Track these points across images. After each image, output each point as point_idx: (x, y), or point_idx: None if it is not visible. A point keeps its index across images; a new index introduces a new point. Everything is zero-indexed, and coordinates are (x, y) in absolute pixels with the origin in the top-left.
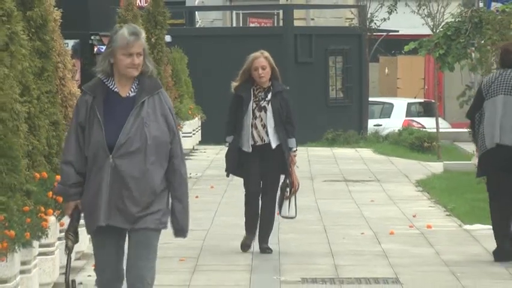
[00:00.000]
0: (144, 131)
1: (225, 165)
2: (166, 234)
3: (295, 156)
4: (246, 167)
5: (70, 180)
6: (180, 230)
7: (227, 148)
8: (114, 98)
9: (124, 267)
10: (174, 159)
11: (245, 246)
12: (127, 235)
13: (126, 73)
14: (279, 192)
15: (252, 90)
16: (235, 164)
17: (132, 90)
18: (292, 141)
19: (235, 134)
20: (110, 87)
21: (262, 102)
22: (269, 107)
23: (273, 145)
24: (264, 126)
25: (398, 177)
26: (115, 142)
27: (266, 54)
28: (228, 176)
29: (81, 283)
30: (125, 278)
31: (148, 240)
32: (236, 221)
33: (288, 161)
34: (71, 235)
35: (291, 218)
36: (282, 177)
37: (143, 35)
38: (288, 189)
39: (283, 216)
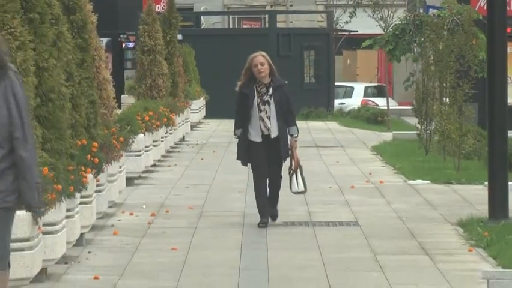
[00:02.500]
0: None
1: (236, 152)
2: (177, 189)
3: (296, 141)
4: (255, 154)
5: None
6: (27, 206)
7: (237, 140)
8: None
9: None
10: (14, 141)
11: (262, 224)
12: None
13: None
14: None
15: (255, 87)
16: (247, 153)
17: None
18: (293, 129)
19: (244, 127)
20: None
21: (265, 97)
22: (272, 101)
23: (276, 134)
24: (269, 118)
25: (357, 144)
26: None
27: (263, 53)
28: (244, 164)
29: (112, 225)
30: None
31: None
32: (232, 178)
33: (290, 145)
34: None
35: (302, 192)
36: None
37: None
38: (292, 168)
39: (294, 193)
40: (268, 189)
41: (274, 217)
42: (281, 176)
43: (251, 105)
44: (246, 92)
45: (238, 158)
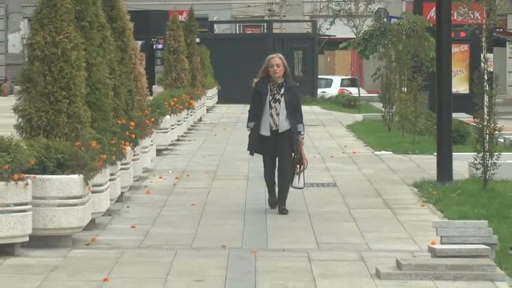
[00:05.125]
0: None
1: (247, 143)
2: (196, 158)
3: (303, 138)
4: (264, 147)
5: None
6: None
7: (249, 132)
8: None
9: None
10: None
11: (272, 204)
12: None
13: None
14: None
15: (269, 85)
16: (256, 145)
17: None
18: (300, 126)
19: (256, 121)
20: None
21: (277, 95)
22: (282, 99)
23: (284, 129)
24: (278, 114)
25: (335, 123)
26: None
27: (280, 55)
28: (251, 154)
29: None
30: None
31: None
32: (238, 149)
33: (297, 141)
34: None
35: (300, 188)
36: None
37: None
38: (298, 166)
39: (293, 187)
40: (278, 184)
41: (284, 211)
42: (289, 168)
43: (264, 101)
44: (261, 89)
45: (248, 149)
